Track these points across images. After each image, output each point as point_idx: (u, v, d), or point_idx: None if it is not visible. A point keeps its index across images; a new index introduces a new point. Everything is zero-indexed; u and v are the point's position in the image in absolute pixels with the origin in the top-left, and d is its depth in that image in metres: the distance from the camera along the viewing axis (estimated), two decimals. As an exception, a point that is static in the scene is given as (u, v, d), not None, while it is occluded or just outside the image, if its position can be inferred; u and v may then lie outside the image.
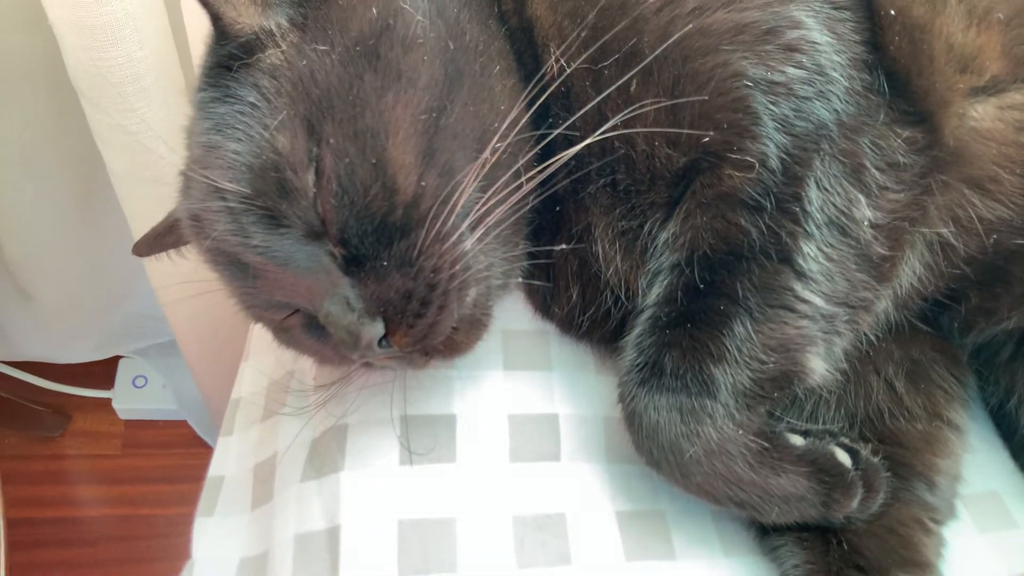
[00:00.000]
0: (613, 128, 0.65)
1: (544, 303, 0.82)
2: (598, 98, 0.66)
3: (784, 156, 0.64)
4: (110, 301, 1.80)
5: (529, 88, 0.68)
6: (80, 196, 1.51)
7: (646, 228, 0.70)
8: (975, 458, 0.83)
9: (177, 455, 2.01)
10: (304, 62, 0.62)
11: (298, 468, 0.75)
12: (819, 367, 0.67)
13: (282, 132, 0.61)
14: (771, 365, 0.65)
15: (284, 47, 0.64)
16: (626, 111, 0.65)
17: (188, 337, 1.51)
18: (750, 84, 0.64)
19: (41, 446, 2.01)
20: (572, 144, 0.67)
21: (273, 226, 0.62)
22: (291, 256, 0.63)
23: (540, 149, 0.69)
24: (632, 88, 0.66)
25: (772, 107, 0.64)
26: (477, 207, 0.64)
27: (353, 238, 0.61)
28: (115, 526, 1.92)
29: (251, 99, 0.62)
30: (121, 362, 2.04)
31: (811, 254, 0.64)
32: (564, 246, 0.74)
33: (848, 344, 0.70)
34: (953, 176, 0.68)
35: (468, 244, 0.64)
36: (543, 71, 0.69)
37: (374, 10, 0.64)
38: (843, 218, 0.65)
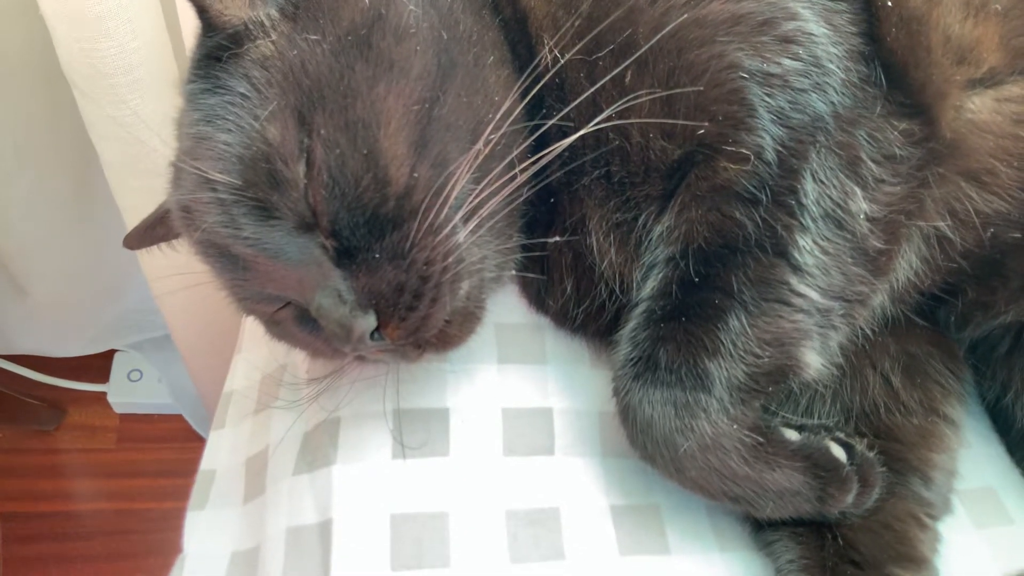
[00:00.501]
0: (607, 119, 0.65)
1: (538, 296, 0.82)
2: (592, 88, 0.65)
3: (780, 148, 0.63)
4: (105, 295, 1.79)
5: (522, 79, 0.68)
6: (75, 190, 1.51)
7: (640, 221, 0.70)
8: (971, 453, 0.83)
9: (172, 449, 2.01)
10: (295, 52, 0.62)
11: (290, 461, 0.75)
12: (814, 361, 0.67)
13: (273, 123, 0.60)
14: (766, 359, 0.64)
15: (275, 37, 0.63)
16: (620, 102, 0.64)
17: (182, 331, 1.50)
18: (746, 76, 0.63)
19: (36, 440, 2.01)
20: (566, 135, 0.66)
21: (264, 218, 0.61)
22: (282, 248, 0.62)
23: (534, 140, 0.68)
24: (627, 79, 0.65)
25: (768, 99, 0.64)
26: (470, 199, 0.63)
27: (344, 230, 0.60)
28: (110, 520, 1.92)
29: (241, 90, 0.62)
30: (116, 356, 2.05)
31: (807, 247, 0.64)
32: (558, 238, 0.73)
33: (844, 338, 0.70)
34: (950, 169, 0.68)
35: (461, 236, 0.63)
36: (537, 61, 0.68)
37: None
38: (839, 211, 0.64)
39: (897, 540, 0.71)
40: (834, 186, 0.64)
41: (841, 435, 0.73)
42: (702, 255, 0.65)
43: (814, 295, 0.65)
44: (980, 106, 0.68)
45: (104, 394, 2.03)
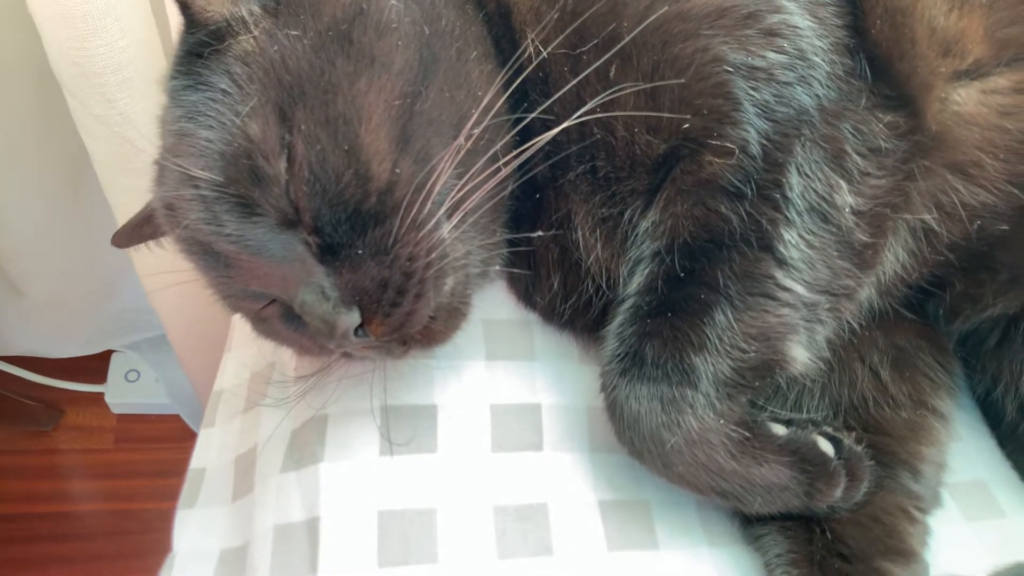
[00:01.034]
0: (591, 112, 0.65)
1: (526, 292, 0.82)
2: (574, 80, 0.65)
3: (765, 142, 0.63)
4: (101, 295, 1.79)
5: (504, 71, 0.68)
6: (69, 189, 1.51)
7: (626, 216, 0.70)
8: (962, 446, 0.83)
9: (170, 449, 2.01)
10: (276, 48, 0.61)
11: (278, 459, 0.75)
12: (801, 356, 0.67)
13: (254, 119, 0.60)
14: (752, 354, 0.64)
15: (256, 33, 0.63)
16: (604, 94, 0.64)
17: (177, 330, 1.50)
18: (730, 69, 0.63)
19: (33, 441, 2.01)
20: (551, 129, 0.66)
21: (246, 214, 0.61)
22: (265, 245, 0.62)
23: (518, 135, 0.68)
24: (611, 73, 0.65)
25: (753, 92, 0.64)
26: (453, 193, 0.63)
27: (327, 226, 0.60)
28: (108, 520, 1.92)
29: (223, 86, 0.62)
30: (113, 356, 2.05)
31: (792, 241, 0.64)
32: (542, 233, 0.73)
33: (831, 333, 0.70)
34: (936, 161, 0.68)
35: (445, 231, 0.63)
36: (519, 55, 0.68)
37: None
38: (824, 204, 0.64)
39: (886, 533, 0.71)
40: (819, 179, 0.64)
41: (829, 429, 0.73)
42: (688, 250, 0.65)
43: (800, 289, 0.65)
44: (966, 98, 0.68)
45: (101, 394, 2.03)
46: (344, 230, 0.60)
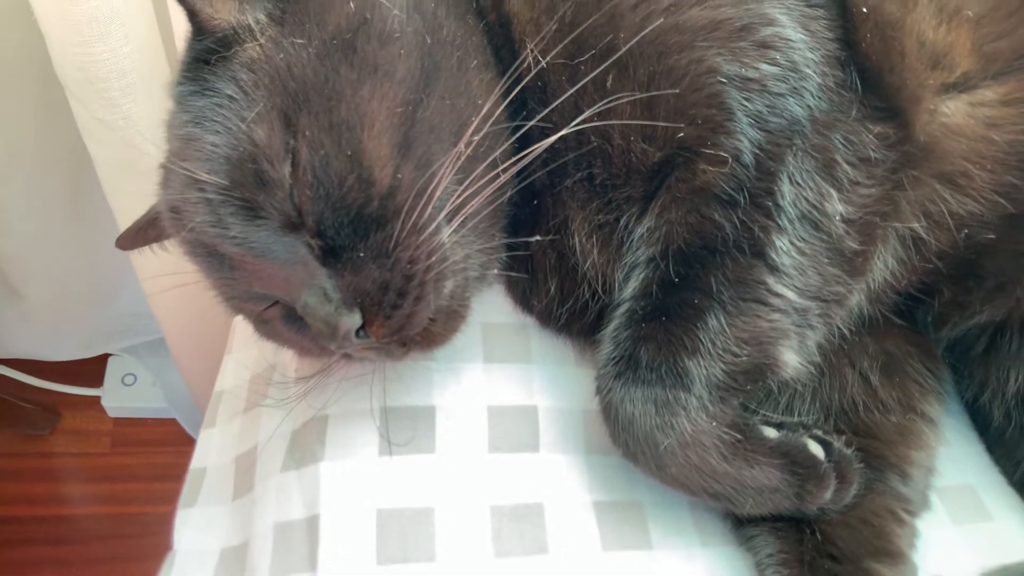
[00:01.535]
0: (589, 120, 0.66)
1: (524, 297, 0.83)
2: (572, 89, 0.67)
3: (757, 151, 0.65)
4: (99, 298, 1.79)
5: (504, 80, 0.69)
6: (69, 193, 1.51)
7: (622, 222, 0.71)
8: (951, 451, 0.84)
9: (166, 453, 2.02)
10: (281, 55, 0.63)
11: (279, 458, 0.75)
12: (792, 360, 0.68)
13: (259, 124, 0.61)
14: (744, 358, 0.66)
15: (262, 41, 0.64)
16: (601, 103, 0.66)
17: (175, 334, 1.51)
18: (724, 80, 0.65)
19: (30, 444, 2.01)
20: (549, 137, 0.68)
21: (250, 217, 0.62)
22: (268, 247, 0.63)
23: (517, 143, 0.69)
24: (608, 83, 0.67)
25: (746, 103, 0.65)
26: (453, 198, 0.65)
27: (330, 229, 0.61)
28: (104, 524, 1.92)
29: (229, 92, 0.63)
30: (110, 360, 2.05)
31: (784, 248, 0.65)
32: (540, 237, 0.75)
33: (821, 338, 0.71)
34: (924, 171, 0.69)
35: (444, 236, 0.64)
36: (518, 63, 0.69)
37: (352, 4, 0.65)
38: (815, 213, 0.66)
39: (875, 535, 0.72)
40: (810, 188, 0.65)
41: (819, 432, 0.74)
42: (682, 256, 0.66)
43: (791, 295, 0.66)
44: (954, 110, 0.70)
45: (98, 398, 2.03)
46: (346, 233, 0.61)
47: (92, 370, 2.03)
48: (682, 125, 0.66)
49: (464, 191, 0.65)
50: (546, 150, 0.69)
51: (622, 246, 0.72)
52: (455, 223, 0.65)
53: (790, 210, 0.65)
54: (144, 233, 0.81)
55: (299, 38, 0.63)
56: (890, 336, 0.82)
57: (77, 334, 1.90)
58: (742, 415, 0.70)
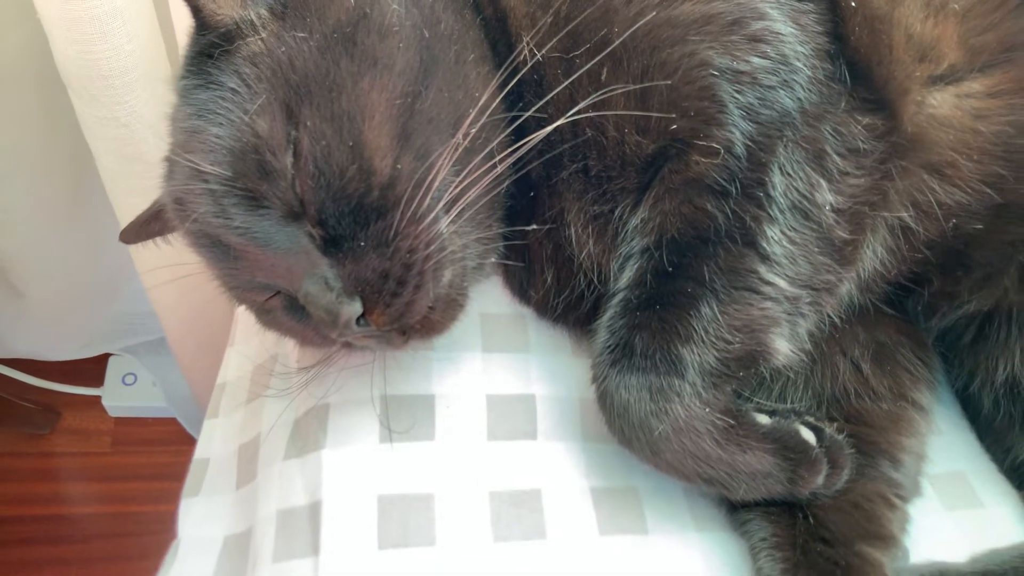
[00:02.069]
0: (583, 111, 0.67)
1: (521, 287, 0.84)
2: (566, 81, 0.68)
3: (749, 143, 0.66)
4: (100, 298, 1.80)
5: (500, 73, 0.70)
6: (70, 192, 1.52)
7: (617, 213, 0.72)
8: (942, 439, 0.86)
9: (166, 452, 2.02)
10: (283, 49, 0.64)
11: (281, 447, 0.77)
12: (783, 348, 0.69)
13: (262, 116, 0.62)
14: (736, 345, 0.67)
15: (264, 36, 0.65)
16: (595, 95, 0.67)
17: (176, 331, 1.51)
18: (716, 73, 0.66)
19: (31, 443, 2.02)
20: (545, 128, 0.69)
21: (253, 207, 0.64)
22: (271, 237, 0.64)
23: (513, 134, 0.71)
24: (603, 76, 0.68)
25: (737, 95, 0.66)
26: (451, 189, 0.66)
27: (331, 219, 0.63)
28: (105, 523, 1.93)
29: (232, 85, 0.64)
30: (111, 360, 2.05)
31: (775, 238, 0.67)
32: (536, 227, 0.76)
33: (812, 326, 0.73)
34: (912, 161, 0.71)
35: (443, 225, 0.65)
36: (514, 56, 0.71)
37: None
38: (805, 202, 0.67)
39: (866, 519, 0.73)
40: (800, 178, 0.67)
41: (811, 419, 0.76)
42: (675, 246, 0.68)
43: (782, 283, 0.67)
44: (941, 101, 0.71)
45: (99, 398, 2.03)
46: (347, 223, 0.63)
47: (92, 370, 2.04)
48: (675, 117, 0.67)
49: (462, 181, 0.66)
50: (542, 142, 0.70)
51: (617, 236, 0.73)
52: (453, 213, 0.66)
53: (781, 200, 0.66)
54: (148, 227, 0.82)
55: (300, 32, 0.64)
56: (881, 325, 0.83)
57: (78, 334, 1.91)
58: (735, 402, 0.71)
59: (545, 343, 0.84)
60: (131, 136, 1.07)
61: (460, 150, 0.66)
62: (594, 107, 0.67)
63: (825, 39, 0.69)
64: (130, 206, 1.17)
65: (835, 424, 0.77)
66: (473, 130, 0.67)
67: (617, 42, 0.66)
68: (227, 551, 0.78)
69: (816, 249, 0.68)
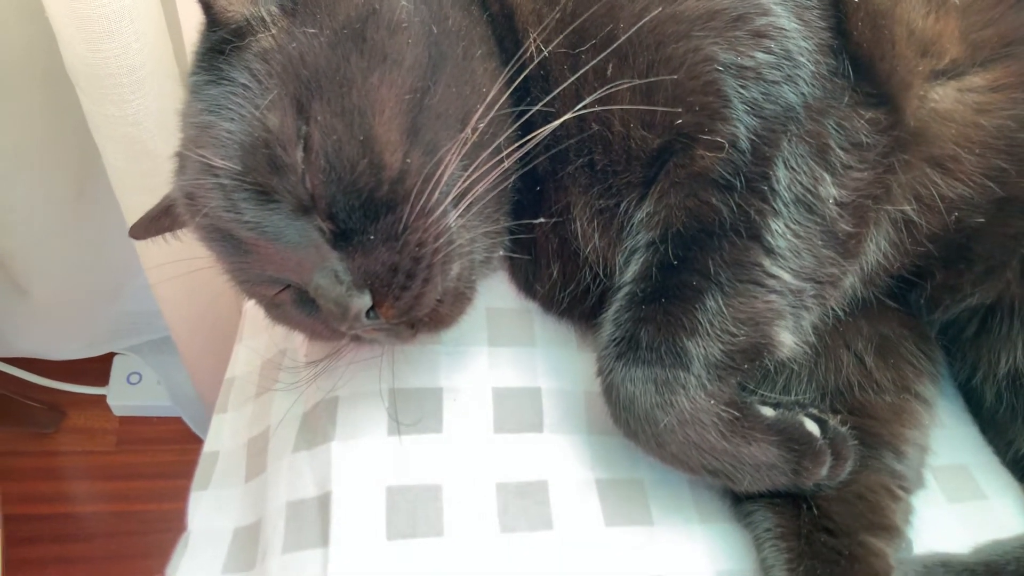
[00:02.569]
0: (589, 106, 0.68)
1: (527, 281, 0.85)
2: (573, 77, 0.69)
3: (753, 137, 0.67)
4: (105, 297, 1.81)
5: (507, 69, 0.71)
6: (75, 191, 1.53)
7: (622, 207, 0.73)
8: (946, 432, 0.86)
9: (171, 451, 2.02)
10: (294, 45, 0.65)
11: (290, 440, 0.77)
12: (788, 340, 0.70)
13: (272, 111, 0.63)
14: (741, 338, 0.67)
15: (275, 32, 0.66)
16: (601, 90, 0.68)
17: (181, 328, 1.52)
18: (721, 69, 0.67)
19: (36, 442, 2.02)
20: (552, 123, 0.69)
21: (263, 202, 0.64)
22: (281, 231, 0.65)
23: (520, 129, 0.71)
24: (608, 71, 0.69)
25: (742, 91, 0.67)
26: (459, 183, 0.66)
27: (341, 212, 0.63)
28: (110, 522, 1.93)
29: (243, 81, 0.65)
30: (115, 359, 2.06)
31: (779, 231, 0.67)
32: (543, 220, 0.76)
33: (816, 319, 0.73)
34: (915, 155, 0.71)
35: (451, 219, 0.66)
36: (522, 52, 0.71)
37: None
38: (809, 196, 0.68)
39: (870, 510, 0.74)
40: (804, 172, 0.67)
41: (814, 411, 0.76)
42: (680, 239, 0.68)
43: (787, 276, 0.68)
44: (943, 95, 0.72)
45: (103, 397, 2.04)
46: (357, 216, 0.63)
47: (97, 369, 2.04)
48: (680, 112, 0.67)
49: (470, 176, 0.67)
50: (549, 137, 0.70)
51: (622, 230, 0.74)
52: (461, 207, 0.67)
53: (785, 194, 0.67)
54: (157, 222, 0.83)
55: (311, 28, 0.65)
56: (885, 319, 0.84)
57: (82, 332, 1.91)
58: (739, 394, 0.71)
59: (551, 337, 0.85)
60: (139, 134, 1.08)
61: (468, 145, 0.66)
62: (600, 102, 0.68)
63: (828, 35, 0.70)
64: (137, 204, 1.17)
65: (839, 416, 0.78)
66: (481, 125, 0.68)
67: (623, 38, 0.67)
68: (237, 543, 0.78)
69: (820, 242, 0.69)
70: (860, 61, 0.70)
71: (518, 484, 0.73)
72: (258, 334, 0.94)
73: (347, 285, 0.63)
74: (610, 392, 0.69)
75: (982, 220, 0.76)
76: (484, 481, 0.73)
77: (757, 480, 0.70)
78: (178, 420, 2.04)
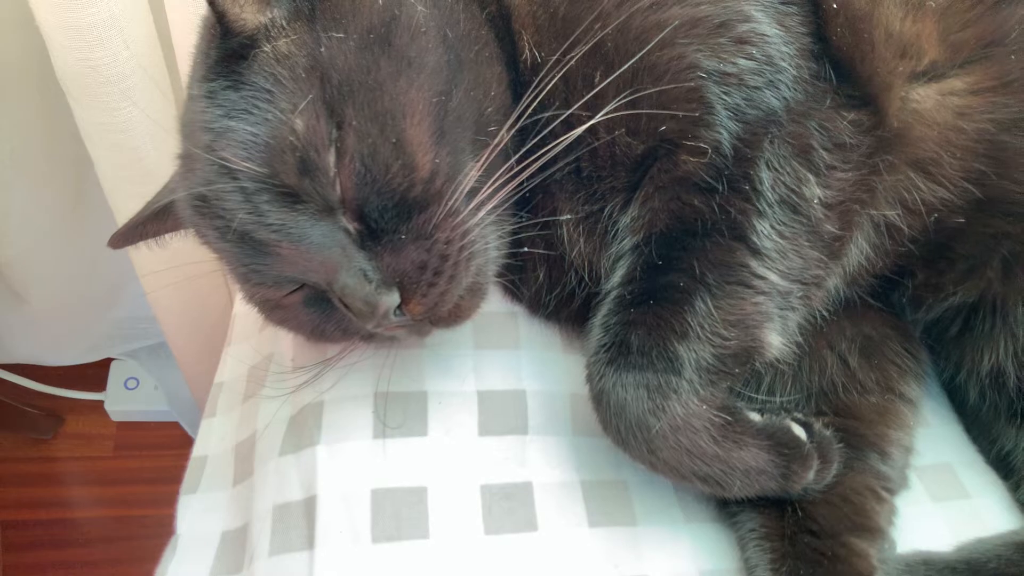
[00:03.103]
0: (583, 119, 0.68)
1: (513, 285, 0.85)
2: (556, 78, 0.69)
3: (736, 142, 0.67)
4: (101, 303, 1.81)
5: (518, 73, 0.73)
6: (71, 198, 1.53)
7: (607, 212, 0.74)
8: (930, 432, 0.87)
9: (169, 456, 2.01)
10: (322, 49, 0.64)
11: (277, 443, 0.78)
12: (776, 342, 0.70)
13: (301, 115, 0.63)
14: (732, 341, 0.67)
15: (293, 37, 0.66)
16: (587, 97, 0.68)
17: (176, 334, 1.52)
18: (704, 75, 0.67)
19: (33, 448, 2.02)
20: (552, 128, 0.70)
21: (289, 204, 0.64)
22: (305, 232, 0.65)
23: (519, 133, 0.72)
24: (596, 79, 0.69)
25: (725, 97, 0.67)
26: (485, 187, 0.68)
27: (373, 212, 0.64)
28: (107, 527, 1.93)
29: (266, 86, 0.64)
30: (113, 364, 2.06)
31: (765, 232, 0.68)
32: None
33: (801, 319, 0.74)
34: (898, 157, 0.72)
35: (476, 218, 0.67)
36: (520, 57, 0.72)
37: (380, 0, 0.67)
38: (794, 196, 0.68)
39: (854, 511, 0.74)
40: (788, 173, 0.68)
41: (799, 415, 0.76)
42: (664, 240, 0.69)
43: (774, 277, 0.68)
44: (924, 96, 0.72)
45: (101, 402, 2.04)
46: (389, 216, 0.64)
47: (94, 374, 2.04)
48: (664, 118, 0.68)
49: (487, 177, 0.68)
50: (537, 142, 0.71)
51: (607, 235, 0.74)
52: (484, 208, 0.68)
53: (769, 195, 0.68)
54: (142, 229, 0.83)
55: (337, 32, 0.65)
56: (868, 319, 0.84)
57: (80, 339, 1.91)
58: (730, 399, 0.72)
59: (535, 340, 0.86)
60: (129, 141, 1.08)
61: (500, 147, 0.68)
62: (588, 108, 0.68)
63: (809, 39, 0.70)
64: (129, 211, 1.17)
65: (824, 418, 0.78)
66: (510, 132, 0.69)
67: (610, 46, 0.68)
68: (225, 546, 0.79)
69: (807, 243, 0.69)
70: (841, 64, 0.70)
71: (503, 486, 0.74)
72: (246, 339, 0.95)
73: (376, 283, 0.64)
74: (600, 398, 0.69)
75: (962, 221, 0.76)
76: (469, 483, 0.74)
77: (747, 486, 0.69)
78: (175, 425, 2.04)
